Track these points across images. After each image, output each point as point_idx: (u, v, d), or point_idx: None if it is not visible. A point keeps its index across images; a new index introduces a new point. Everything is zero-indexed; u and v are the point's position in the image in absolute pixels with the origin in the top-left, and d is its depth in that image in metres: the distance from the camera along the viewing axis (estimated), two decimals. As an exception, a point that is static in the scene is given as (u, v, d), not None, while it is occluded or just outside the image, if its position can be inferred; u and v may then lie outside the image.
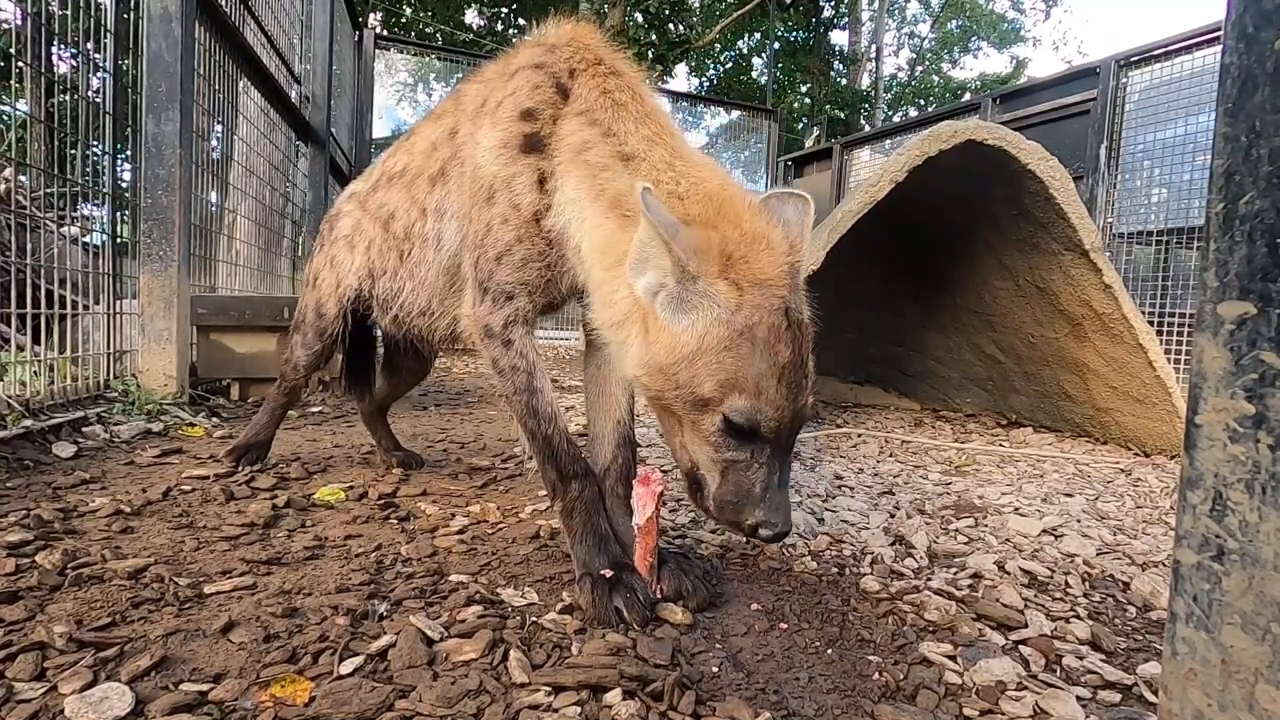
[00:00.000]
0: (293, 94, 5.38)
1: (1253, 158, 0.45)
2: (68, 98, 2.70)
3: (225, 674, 0.96)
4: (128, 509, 1.61)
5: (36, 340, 2.60)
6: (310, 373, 2.05)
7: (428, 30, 18.06)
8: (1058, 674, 1.10)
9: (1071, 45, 38.20)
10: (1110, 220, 4.99)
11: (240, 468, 2.02)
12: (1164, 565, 1.62)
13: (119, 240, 3.03)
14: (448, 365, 5.55)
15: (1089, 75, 5.25)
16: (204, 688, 0.92)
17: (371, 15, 16.39)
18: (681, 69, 20.86)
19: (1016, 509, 2.01)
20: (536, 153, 1.30)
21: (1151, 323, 3.20)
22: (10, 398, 2.21)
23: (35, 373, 2.49)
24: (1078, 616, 1.31)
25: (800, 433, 1.17)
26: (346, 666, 0.98)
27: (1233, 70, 0.46)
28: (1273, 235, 0.44)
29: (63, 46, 2.79)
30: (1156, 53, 4.79)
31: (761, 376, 1.07)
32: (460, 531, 1.60)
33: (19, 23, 2.60)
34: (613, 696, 0.94)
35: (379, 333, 2.13)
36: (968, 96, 22.08)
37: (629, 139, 1.24)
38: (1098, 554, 1.65)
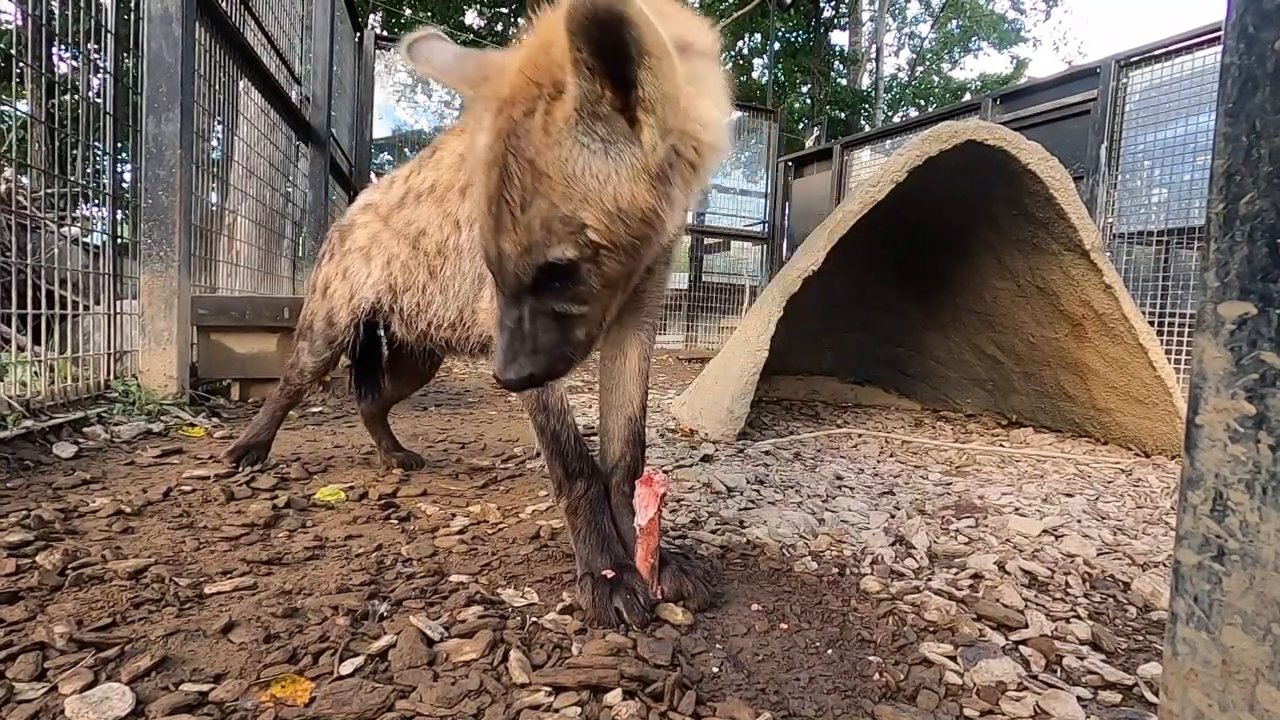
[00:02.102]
0: (293, 94, 5.38)
1: (1253, 158, 0.45)
2: (68, 98, 2.70)
3: (226, 674, 0.96)
4: (128, 509, 1.61)
5: (37, 341, 2.60)
6: (316, 378, 2.05)
7: (428, 30, 18.03)
8: (1058, 674, 1.10)
9: (1072, 45, 38.17)
10: (1111, 220, 4.99)
11: (241, 468, 2.02)
12: (1164, 566, 1.62)
13: (119, 240, 3.03)
14: (449, 365, 5.55)
15: (1089, 75, 5.25)
16: (204, 688, 0.92)
17: (372, 15, 16.40)
18: (682, 69, 20.78)
19: (1017, 509, 2.01)
20: None
21: (1152, 323, 3.20)
22: (11, 398, 2.21)
23: (36, 373, 2.49)
24: (1078, 617, 1.30)
25: (526, 290, 0.98)
26: (347, 667, 0.98)
27: (1233, 70, 0.46)
28: (1273, 235, 0.44)
29: (63, 47, 2.79)
30: (1157, 53, 4.79)
31: (478, 204, 1.00)
32: (461, 532, 1.60)
33: (19, 23, 2.60)
34: (613, 697, 0.94)
35: (384, 335, 2.12)
36: (968, 97, 22.09)
37: None
38: (1098, 554, 1.65)
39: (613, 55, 0.85)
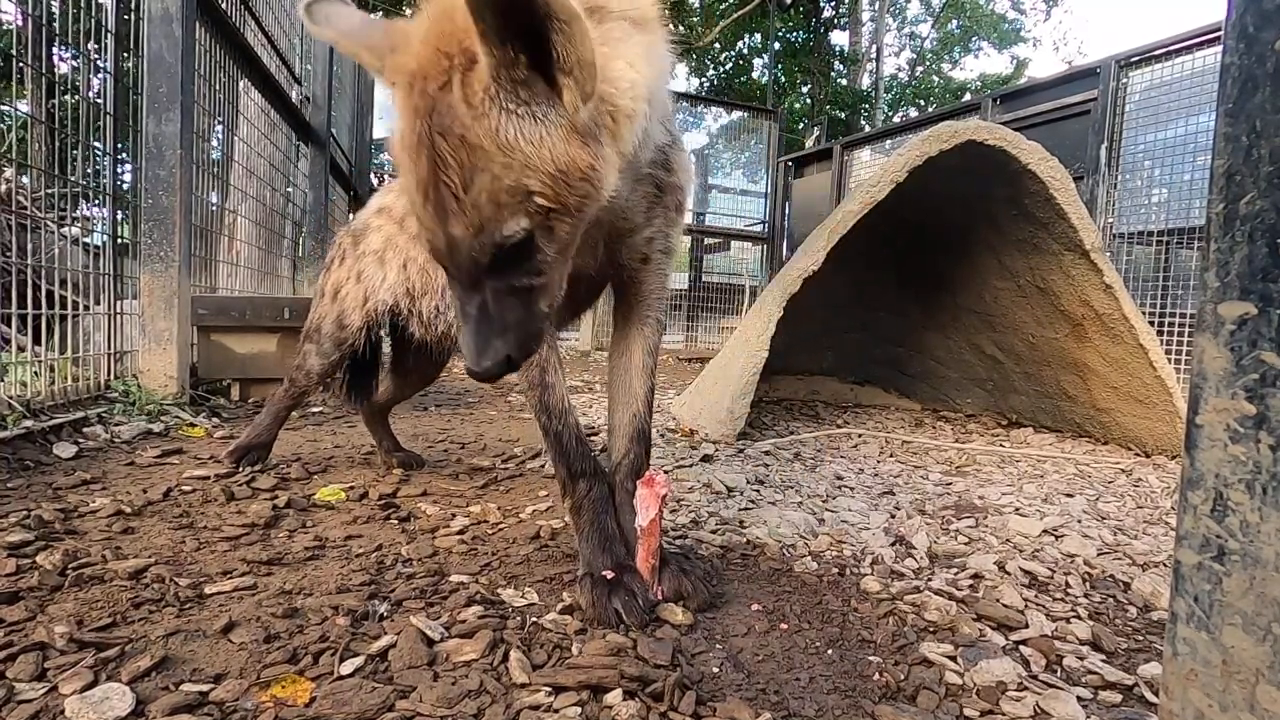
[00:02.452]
0: (293, 94, 5.38)
1: (1253, 158, 0.45)
2: (68, 98, 2.70)
3: (226, 674, 0.96)
4: (128, 509, 1.61)
5: (37, 341, 2.60)
6: (323, 379, 2.04)
7: (428, 31, 18.03)
8: (1058, 674, 1.10)
9: (1072, 45, 38.21)
10: (1111, 220, 4.99)
11: (241, 468, 2.02)
12: (1165, 566, 1.62)
13: (120, 241, 3.04)
14: (449, 365, 5.54)
15: (1089, 75, 5.25)
16: (204, 688, 0.92)
17: (372, 15, 16.37)
18: (682, 69, 20.87)
19: (1017, 509, 2.01)
20: None
21: (1152, 323, 3.20)
22: (11, 398, 2.21)
23: (36, 373, 2.49)
24: (1078, 617, 1.30)
25: (482, 271, 0.95)
26: (347, 667, 0.98)
27: (1233, 70, 0.46)
28: (1273, 235, 0.44)
29: (63, 47, 2.79)
30: (1157, 53, 4.79)
31: (412, 194, 0.94)
32: (461, 532, 1.60)
33: (19, 23, 2.60)
34: (613, 697, 0.94)
35: (385, 337, 2.12)
36: (968, 97, 22.10)
37: None
38: (1098, 554, 1.65)
39: (519, 19, 0.82)
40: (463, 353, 0.98)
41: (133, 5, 2.99)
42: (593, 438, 2.72)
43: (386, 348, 2.22)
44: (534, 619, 1.16)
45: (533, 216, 0.93)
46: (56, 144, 2.85)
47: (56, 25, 2.70)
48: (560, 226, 0.97)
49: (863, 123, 20.99)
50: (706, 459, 2.47)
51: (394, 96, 0.93)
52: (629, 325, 1.47)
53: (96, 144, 2.86)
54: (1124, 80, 4.98)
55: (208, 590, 1.21)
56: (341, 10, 0.98)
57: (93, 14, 2.82)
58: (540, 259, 0.97)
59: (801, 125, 19.18)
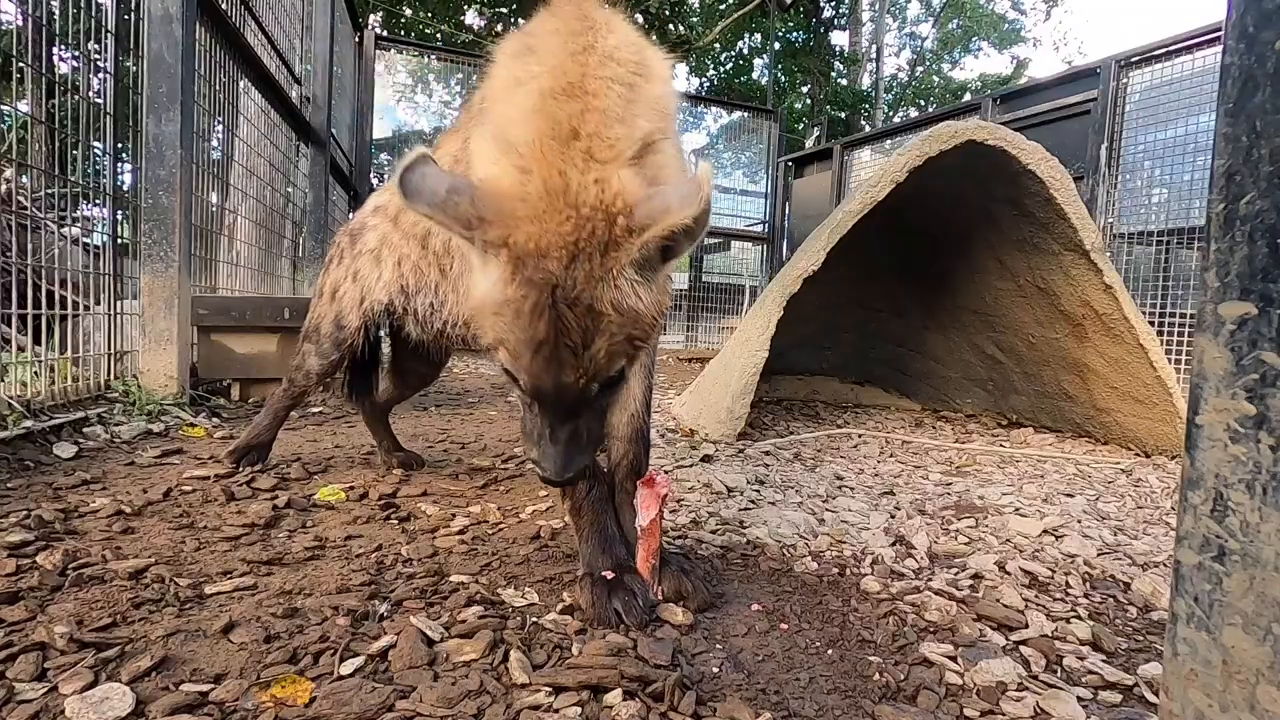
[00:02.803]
0: (293, 95, 5.38)
1: (1253, 158, 0.45)
2: (68, 98, 2.70)
3: (226, 674, 0.96)
4: (128, 509, 1.61)
5: (37, 341, 2.60)
6: (322, 380, 2.04)
7: (428, 31, 18.07)
8: (1058, 674, 1.10)
9: (1072, 45, 38.17)
10: (1111, 220, 4.98)
11: (241, 468, 2.02)
12: (1165, 566, 1.62)
13: (120, 241, 3.04)
14: (449, 365, 5.54)
15: (1089, 76, 5.25)
16: (205, 688, 0.92)
17: (372, 16, 16.40)
18: (682, 69, 20.87)
19: (1017, 509, 2.01)
20: None
21: (1152, 323, 3.20)
22: (11, 398, 2.21)
23: (36, 373, 2.49)
24: (1078, 617, 1.30)
25: (583, 403, 1.06)
26: (347, 667, 0.98)
27: (1233, 70, 0.46)
28: (1273, 236, 0.44)
29: (63, 47, 2.79)
30: (1157, 53, 4.79)
31: (520, 345, 1.02)
32: (461, 532, 1.60)
33: (19, 23, 2.60)
34: (613, 697, 0.94)
35: (384, 336, 2.12)
36: (968, 97, 22.10)
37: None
38: (1098, 554, 1.65)
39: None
40: (542, 464, 1.07)
41: (133, 5, 2.99)
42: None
43: (386, 348, 2.22)
44: (534, 619, 1.16)
45: (631, 356, 1.07)
46: (56, 144, 2.85)
47: (56, 25, 2.70)
48: (643, 353, 1.14)
49: (863, 123, 20.99)
50: (707, 459, 2.47)
51: (492, 263, 1.01)
52: None
53: (96, 144, 2.86)
54: (1124, 80, 4.98)
55: (208, 590, 1.21)
56: (429, 173, 1.02)
57: (92, 14, 2.82)
58: (624, 380, 1.11)
59: (801, 125, 19.20)
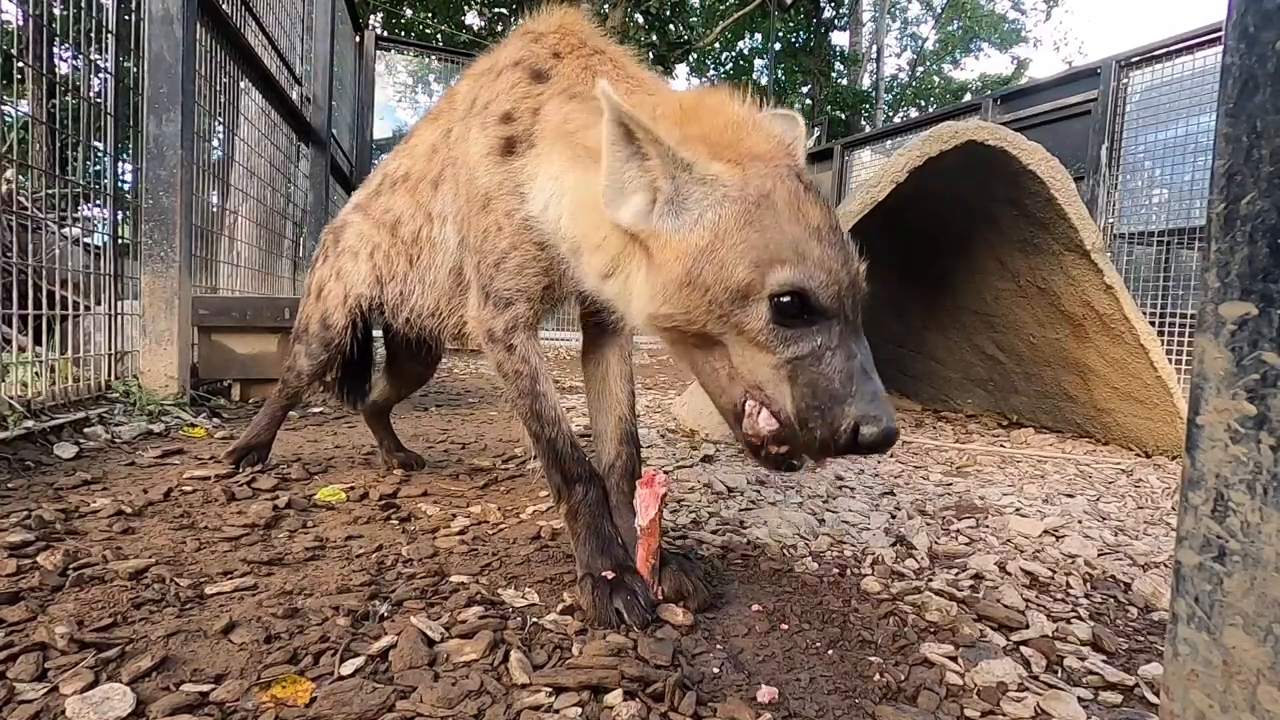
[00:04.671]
0: (294, 95, 5.38)
1: (1254, 158, 0.45)
2: (69, 99, 2.70)
3: (226, 675, 0.96)
4: (129, 509, 1.61)
5: (38, 341, 2.60)
6: (314, 380, 2.04)
7: (428, 31, 18.08)
8: (1059, 675, 1.10)
9: (1072, 46, 38.24)
10: (1111, 221, 4.99)
11: (241, 469, 2.02)
12: (1165, 566, 1.62)
13: (120, 241, 3.04)
14: (449, 366, 5.55)
15: (1090, 76, 5.25)
16: (205, 688, 0.92)
17: (372, 16, 16.41)
18: (682, 70, 20.87)
19: (1018, 510, 2.00)
20: (518, 156, 1.29)
21: (1153, 323, 3.20)
22: (12, 398, 2.21)
23: (37, 374, 2.49)
24: (1079, 617, 1.30)
25: (860, 313, 0.99)
26: (347, 667, 0.98)
27: (1234, 71, 0.46)
28: (1274, 236, 0.44)
29: (64, 47, 2.79)
30: (1158, 53, 4.79)
31: (798, 240, 0.95)
32: (461, 532, 1.60)
33: (20, 23, 2.61)
34: (614, 697, 0.94)
35: (378, 337, 2.12)
36: (969, 97, 22.09)
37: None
38: (1099, 555, 1.65)
39: None
40: (875, 413, 0.92)
41: (133, 6, 2.99)
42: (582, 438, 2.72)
43: (381, 348, 2.22)
44: (534, 619, 1.16)
45: None
46: (57, 144, 2.85)
47: (57, 26, 2.70)
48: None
49: (863, 123, 20.98)
50: (707, 459, 2.47)
51: (733, 174, 1.01)
52: (604, 334, 1.48)
53: (97, 144, 2.86)
54: (1125, 80, 4.98)
55: (208, 590, 1.21)
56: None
57: (93, 14, 2.82)
58: None
59: (802, 126, 19.14)
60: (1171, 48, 4.69)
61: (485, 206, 1.33)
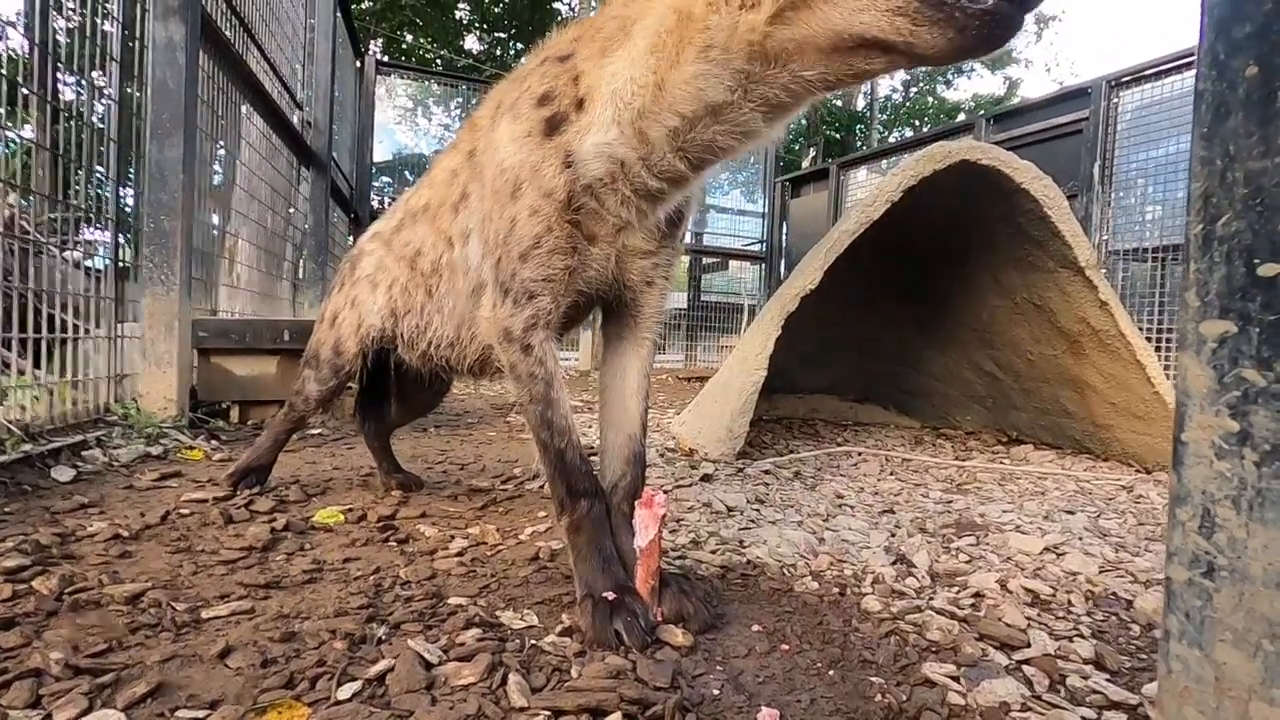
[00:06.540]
0: (295, 119, 5.45)
1: (1228, 181, 0.46)
2: (72, 124, 2.74)
3: (222, 700, 0.95)
4: (126, 533, 1.60)
5: (37, 364, 2.60)
6: (321, 405, 2.05)
7: (428, 56, 18.33)
8: (1062, 694, 1.09)
9: (1064, 66, 38.72)
10: (1106, 237, 5.02)
11: (239, 491, 2.02)
12: (1166, 583, 1.61)
13: (121, 264, 3.06)
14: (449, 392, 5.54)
15: (1081, 95, 5.32)
16: (200, 714, 0.91)
17: (372, 42, 16.65)
18: (679, 92, 21.04)
19: (1018, 527, 2.00)
20: (560, 134, 1.25)
21: (1149, 339, 3.21)
22: (10, 422, 2.21)
23: (35, 397, 2.49)
24: (1081, 635, 1.30)
25: None
26: (344, 691, 0.98)
27: (1207, 96, 0.47)
28: (1250, 255, 0.45)
29: (68, 74, 2.84)
30: (1147, 73, 4.86)
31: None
32: (459, 554, 1.59)
33: (24, 51, 2.65)
34: (612, 720, 0.93)
35: (393, 363, 2.14)
36: (962, 117, 22.34)
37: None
38: (1100, 572, 1.64)
39: None
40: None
41: (137, 33, 3.04)
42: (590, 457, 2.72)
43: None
44: (533, 641, 1.15)
45: None
46: (60, 169, 2.88)
47: (62, 53, 2.74)
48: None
49: (858, 143, 21.20)
50: (706, 478, 2.47)
51: None
52: (625, 345, 1.47)
53: (99, 168, 2.89)
54: (1115, 99, 5.05)
55: (204, 614, 1.21)
56: None
57: (97, 42, 2.87)
58: None
59: (798, 145, 19.38)
60: (1160, 67, 4.77)
61: (516, 193, 1.28)
